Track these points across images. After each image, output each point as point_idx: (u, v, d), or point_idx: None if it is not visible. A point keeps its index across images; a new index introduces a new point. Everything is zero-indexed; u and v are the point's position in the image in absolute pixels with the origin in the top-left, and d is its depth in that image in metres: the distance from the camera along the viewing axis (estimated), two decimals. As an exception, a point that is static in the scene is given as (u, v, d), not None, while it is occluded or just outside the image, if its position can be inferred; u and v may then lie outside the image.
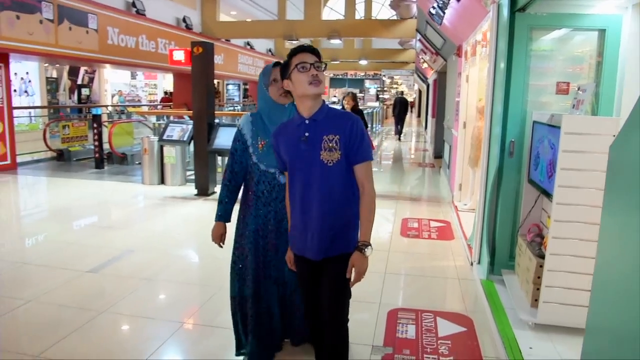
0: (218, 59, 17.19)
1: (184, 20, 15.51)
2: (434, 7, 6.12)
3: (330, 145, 2.10)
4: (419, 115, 28.54)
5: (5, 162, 9.40)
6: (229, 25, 17.43)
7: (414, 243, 5.35)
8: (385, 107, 28.82)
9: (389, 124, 25.88)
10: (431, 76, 15.26)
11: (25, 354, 2.94)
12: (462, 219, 6.02)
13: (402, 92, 23.08)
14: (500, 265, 4.08)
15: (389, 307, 3.65)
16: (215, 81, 25.44)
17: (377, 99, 33.24)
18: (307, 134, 2.14)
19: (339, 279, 2.14)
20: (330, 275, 2.18)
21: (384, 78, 34.06)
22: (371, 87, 37.20)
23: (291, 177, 2.21)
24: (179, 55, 8.05)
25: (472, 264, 4.49)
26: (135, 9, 12.73)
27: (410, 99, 44.26)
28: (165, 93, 19.72)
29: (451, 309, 3.66)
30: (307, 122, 2.15)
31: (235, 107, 22.31)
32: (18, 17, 8.81)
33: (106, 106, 14.95)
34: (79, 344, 3.07)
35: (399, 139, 17.81)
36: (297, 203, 2.20)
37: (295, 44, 22.15)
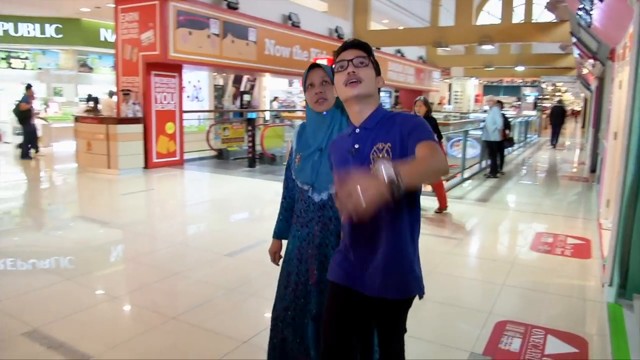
0: (367, 67, 17.68)
1: (336, 30, 16.25)
2: (580, 8, 5.73)
3: (380, 155, 1.74)
4: (583, 126, 26.15)
5: (175, 159, 10.83)
6: (379, 33, 17.83)
7: (543, 258, 5.09)
8: (544, 116, 26.89)
9: (546, 134, 24.14)
10: (593, 83, 13.98)
11: (177, 315, 3.50)
12: (605, 237, 5.54)
13: (560, 101, 21.36)
14: (633, 289, 3.74)
15: (498, 318, 3.59)
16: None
17: (535, 107, 31.11)
18: (356, 146, 1.81)
19: (399, 326, 1.89)
20: (388, 322, 1.87)
21: (543, 85, 31.76)
22: (530, 95, 34.92)
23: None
24: (322, 63, 8.58)
25: (603, 286, 4.17)
26: (290, 22, 13.72)
27: (578, 108, 40.62)
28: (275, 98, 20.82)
29: (566, 329, 3.47)
30: (357, 131, 1.83)
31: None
32: (190, 33, 10.13)
33: (263, 111, 16.30)
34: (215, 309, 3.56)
35: (554, 148, 16.65)
36: (347, 230, 1.87)
37: (447, 50, 21.76)
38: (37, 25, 14.85)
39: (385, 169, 1.41)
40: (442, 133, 7.05)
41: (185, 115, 11.41)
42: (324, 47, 14.71)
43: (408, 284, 1.83)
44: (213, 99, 16.77)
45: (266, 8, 12.84)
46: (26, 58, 16.49)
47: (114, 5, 10.40)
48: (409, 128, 1.72)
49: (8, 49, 16.05)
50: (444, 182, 7.11)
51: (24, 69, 16.59)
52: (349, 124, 1.91)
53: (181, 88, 10.96)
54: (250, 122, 10.95)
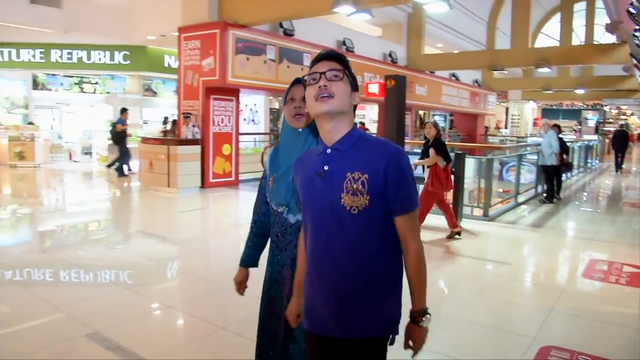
0: (421, 91, 17.73)
1: (390, 55, 16.44)
2: (636, 30, 5.64)
3: (355, 186, 1.59)
4: (650, 151, 24.92)
5: (231, 179, 11.24)
6: (434, 57, 17.87)
7: (595, 285, 4.96)
8: (606, 140, 25.87)
9: (609, 160, 23.17)
10: (659, 106, 13.41)
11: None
12: (664, 266, 5.32)
13: (623, 125, 20.53)
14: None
15: (542, 344, 3.55)
16: (421, 112, 26.05)
17: (597, 131, 29.95)
18: (325, 168, 1.65)
19: None
20: None
21: (606, 108, 30.57)
22: (592, 119, 33.70)
23: (304, 222, 1.77)
24: (374, 88, 8.74)
25: (658, 315, 4.03)
26: (345, 47, 14.04)
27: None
28: (361, 123, 20.98)
29: (613, 357, 3.39)
30: (328, 151, 1.67)
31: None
32: (248, 59, 10.60)
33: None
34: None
35: (618, 173, 15.98)
36: (310, 261, 1.74)
37: (503, 73, 21.44)
38: (107, 53, 15.91)
39: (425, 323, 1.70)
40: (449, 155, 6.63)
41: (241, 138, 11.84)
42: (378, 71, 14.91)
43: (370, 323, 1.64)
44: (268, 122, 17.28)
45: (321, 34, 13.21)
46: (96, 83, 17.65)
47: (177, 34, 11.05)
48: (398, 179, 1.59)
49: (81, 75, 17.26)
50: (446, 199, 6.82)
51: (94, 92, 17.75)
52: (320, 142, 1.73)
53: (238, 111, 11.42)
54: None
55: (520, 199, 9.91)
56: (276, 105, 18.43)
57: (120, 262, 5.44)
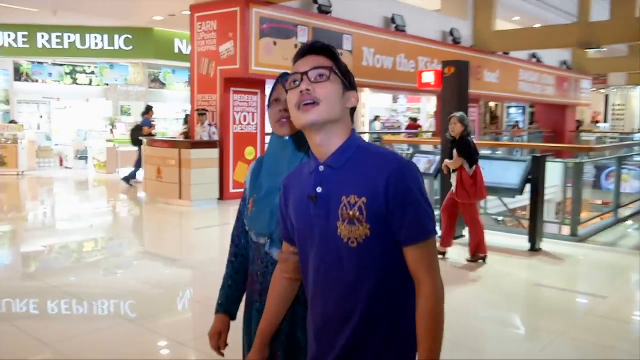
0: (492, 77, 17.65)
1: (450, 33, 16.45)
2: None
3: (351, 213, 1.58)
4: None
5: (254, 190, 11.50)
6: (507, 34, 17.75)
7: None
8: None
9: None
10: None
11: None
12: None
13: None
14: None
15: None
16: (492, 104, 25.85)
17: None
18: (318, 190, 1.64)
19: None
20: None
21: None
22: None
23: (301, 256, 1.77)
24: (428, 76, 8.81)
25: None
26: (394, 25, 14.15)
27: None
28: (412, 119, 21.01)
29: None
30: (320, 169, 1.66)
31: (516, 137, 22.26)
32: (275, 43, 10.84)
33: (360, 133, 16.76)
34: None
35: None
36: (310, 300, 1.75)
37: (601, 52, 21.03)
38: (106, 36, 16.50)
39: None
40: (475, 157, 6.59)
41: (267, 139, 12.09)
42: (435, 54, 14.95)
43: None
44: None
45: (364, 10, 13.37)
46: (92, 73, 18.32)
47: (189, 13, 11.40)
48: (402, 200, 1.56)
49: (73, 63, 17.93)
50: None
51: (90, 84, 18.43)
52: (312, 157, 1.71)
53: (263, 107, 11.68)
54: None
55: (623, 213, 9.75)
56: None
57: (121, 290, 5.67)
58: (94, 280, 6.07)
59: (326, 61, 1.66)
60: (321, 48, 1.68)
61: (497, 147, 13.07)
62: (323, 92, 1.62)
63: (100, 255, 7.46)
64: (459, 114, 6.60)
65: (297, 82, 1.64)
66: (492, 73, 17.68)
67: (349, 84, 1.68)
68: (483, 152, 11.77)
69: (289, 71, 1.77)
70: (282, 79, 1.92)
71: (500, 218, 11.15)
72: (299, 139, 1.93)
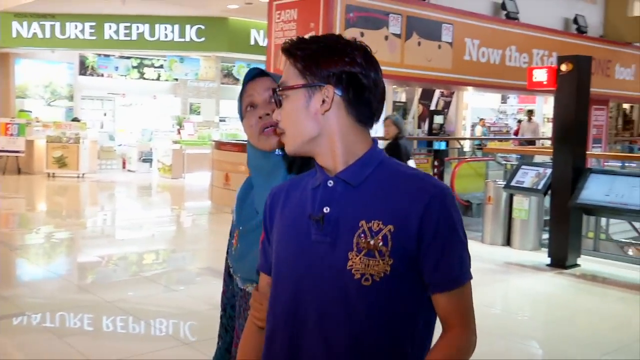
0: (626, 73, 17.01)
1: (575, 20, 16.01)
2: None
3: (372, 243, 1.45)
4: None
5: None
6: (647, 23, 17.09)
7: None
8: None
9: None
10: None
11: None
12: None
13: None
14: None
15: None
16: (627, 105, 24.88)
17: None
18: (325, 210, 1.51)
19: None
20: None
21: None
22: None
23: (274, 294, 1.61)
24: (540, 74, 8.60)
25: None
26: (505, 13, 13.92)
27: None
28: (519, 122, 20.51)
29: None
30: (330, 183, 1.53)
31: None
32: (362, 34, 10.91)
33: (459, 139, 16.59)
34: None
35: None
36: (283, 355, 1.57)
37: None
38: (176, 27, 17.05)
39: None
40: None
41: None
42: (554, 46, 14.55)
43: None
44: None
45: (470, -6, 13.27)
46: (161, 66, 19.05)
47: (267, 1, 11.67)
48: (441, 237, 1.47)
49: (141, 56, 18.71)
50: None
51: (158, 79, 19.18)
52: (317, 168, 1.58)
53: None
54: (438, 154, 11.31)
55: None
56: (402, 98, 18.68)
57: (181, 309, 5.90)
58: (152, 296, 6.34)
59: (285, 75, 1.56)
60: (262, 72, 1.70)
61: (627, 160, 12.61)
62: (283, 114, 1.55)
63: (161, 269, 7.77)
64: (393, 116, 7.21)
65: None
66: (627, 69, 17.01)
67: (312, 78, 1.50)
68: (613, 164, 11.50)
69: (260, 66, 1.79)
70: (255, 75, 1.85)
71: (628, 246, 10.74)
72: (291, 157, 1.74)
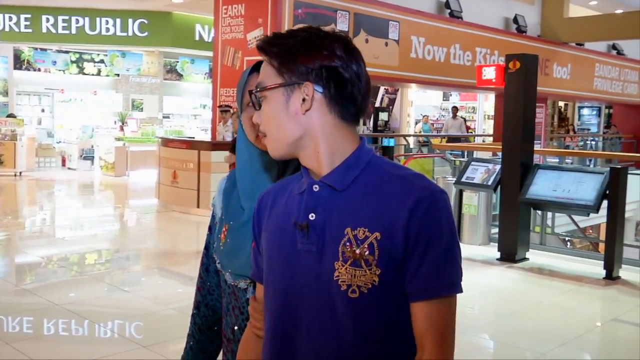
0: (562, 72, 17.45)
1: (515, 20, 16.32)
2: None
3: (357, 252, 1.36)
4: None
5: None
6: (582, 22, 17.52)
7: None
8: None
9: None
10: None
11: None
12: None
13: None
14: None
15: None
16: (562, 104, 25.55)
17: None
18: (311, 217, 1.42)
19: None
20: None
21: None
22: None
23: (266, 304, 1.54)
24: (489, 72, 8.74)
25: None
26: (448, 11, 14.10)
27: None
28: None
29: None
30: (315, 188, 1.43)
31: (590, 142, 21.97)
32: (310, 30, 10.90)
33: (404, 136, 16.74)
34: None
35: None
36: None
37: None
38: (118, 21, 16.74)
39: None
40: None
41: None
42: (495, 44, 14.84)
43: None
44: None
45: (414, -7, 13.38)
46: (101, 62, 18.65)
47: (213, -6, 11.53)
48: (426, 239, 1.35)
49: (81, 50, 18.29)
50: None
51: (98, 74, 18.77)
52: (303, 171, 1.49)
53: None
54: (387, 151, 11.39)
55: None
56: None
57: (129, 309, 5.76)
58: (97, 297, 6.18)
59: (268, 69, 1.45)
60: (263, 47, 1.45)
61: (565, 156, 12.95)
62: (264, 118, 1.46)
63: (105, 269, 7.57)
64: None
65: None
66: (563, 68, 17.47)
67: (290, 75, 1.41)
68: (551, 160, 11.78)
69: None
70: (254, 70, 1.70)
71: (568, 239, 11.03)
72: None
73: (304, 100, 1.39)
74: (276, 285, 1.48)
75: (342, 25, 11.35)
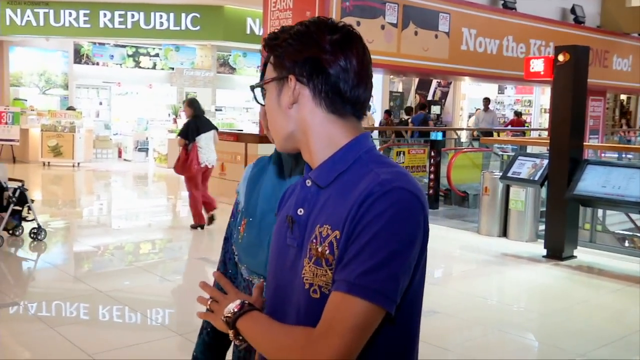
0: (623, 64, 17.01)
1: (572, 10, 15.98)
2: None
3: (320, 249, 1.32)
4: None
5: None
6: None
7: None
8: None
9: None
10: None
11: None
12: None
13: None
14: None
15: None
16: (624, 97, 24.91)
17: None
18: (299, 212, 1.42)
19: None
20: None
21: None
22: None
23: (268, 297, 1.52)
24: (538, 65, 8.60)
25: None
26: (502, 2, 13.90)
27: None
28: (516, 114, 20.45)
29: None
30: (307, 183, 1.44)
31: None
32: (358, 24, 10.89)
33: (456, 129, 16.59)
34: None
35: None
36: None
37: None
38: (172, 15, 17.00)
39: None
40: (189, 134, 8.46)
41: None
42: (552, 36, 14.54)
43: None
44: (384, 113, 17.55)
45: (467, -16, 13.23)
46: (156, 55, 19.00)
47: (263, -12, 11.63)
48: (359, 230, 1.27)
49: (137, 44, 18.67)
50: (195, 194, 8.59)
51: (153, 68, 19.13)
52: (306, 165, 1.49)
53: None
54: (435, 145, 11.32)
55: None
56: (399, 88, 18.66)
57: (178, 299, 5.94)
58: (148, 286, 6.35)
59: (270, 60, 1.47)
60: (266, 44, 1.46)
61: (624, 151, 12.65)
62: (266, 110, 1.51)
63: (157, 258, 7.78)
64: (190, 98, 8.92)
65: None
66: (624, 59, 17.02)
67: (280, 70, 1.42)
68: (608, 159, 11.52)
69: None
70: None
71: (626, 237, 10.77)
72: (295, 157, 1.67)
73: (284, 97, 1.41)
74: (271, 278, 1.49)
75: (391, 17, 11.32)
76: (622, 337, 5.34)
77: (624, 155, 12.35)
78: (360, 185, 1.31)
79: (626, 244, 10.40)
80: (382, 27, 11.24)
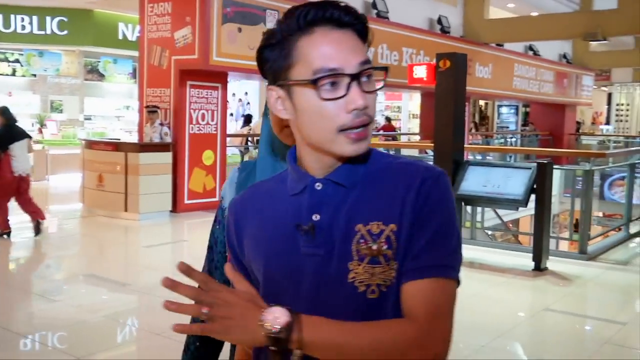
0: (483, 72, 17.92)
1: (439, 21, 16.68)
2: None
3: (374, 248, 1.27)
4: None
5: (213, 199, 11.40)
6: (501, 24, 18.06)
7: None
8: None
9: None
10: None
11: None
12: None
13: None
14: None
15: None
16: (482, 102, 26.25)
17: None
18: (315, 218, 1.32)
19: None
20: None
21: None
22: None
23: None
24: (420, 71, 8.93)
25: None
26: (375, 12, 14.28)
27: None
28: (387, 119, 21.16)
29: None
30: (317, 186, 1.34)
31: (510, 139, 22.68)
32: (240, 30, 10.84)
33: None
34: None
35: None
36: None
37: (605, 44, 21.50)
38: (35, 18, 16.19)
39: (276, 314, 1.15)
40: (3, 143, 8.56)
41: (229, 141, 12.06)
42: (421, 45, 15.12)
43: None
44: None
45: (341, -7, 13.46)
46: (16, 61, 17.95)
47: (138, -8, 11.33)
48: (425, 215, 1.27)
49: (-4, 49, 17.61)
50: None
51: (14, 74, 18.04)
52: (294, 169, 1.40)
53: (225, 104, 11.63)
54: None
55: (634, 228, 9.97)
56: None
57: (60, 320, 5.58)
58: (25, 307, 6.05)
59: (363, 47, 1.34)
60: (348, 10, 1.29)
61: (486, 152, 13.33)
62: (373, 105, 1.30)
63: (33, 278, 7.33)
64: (1, 107, 8.87)
65: (336, 86, 1.27)
66: (484, 67, 17.95)
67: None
68: (479, 157, 12.09)
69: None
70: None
71: (491, 233, 11.33)
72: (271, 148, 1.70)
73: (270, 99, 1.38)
74: (280, 298, 1.27)
75: (271, 24, 11.31)
76: (513, 326, 5.60)
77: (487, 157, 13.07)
78: (400, 176, 1.30)
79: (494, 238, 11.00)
80: (263, 33, 11.21)
